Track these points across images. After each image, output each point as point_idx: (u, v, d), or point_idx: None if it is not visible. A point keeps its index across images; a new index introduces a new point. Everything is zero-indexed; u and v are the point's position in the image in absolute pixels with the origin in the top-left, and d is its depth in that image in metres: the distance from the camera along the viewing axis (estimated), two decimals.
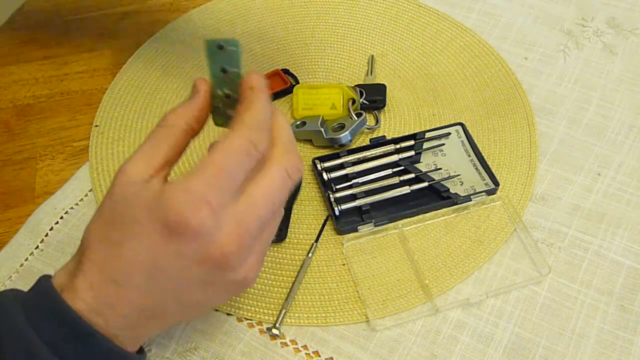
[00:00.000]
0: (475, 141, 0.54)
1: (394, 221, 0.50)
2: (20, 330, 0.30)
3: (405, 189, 0.51)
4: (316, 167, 0.53)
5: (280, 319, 0.45)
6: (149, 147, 0.34)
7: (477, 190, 0.51)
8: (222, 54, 0.34)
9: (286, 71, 0.61)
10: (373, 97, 0.57)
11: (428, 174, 0.52)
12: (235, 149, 0.32)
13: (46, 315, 0.31)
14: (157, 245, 0.31)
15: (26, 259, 0.49)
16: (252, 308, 0.46)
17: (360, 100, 0.57)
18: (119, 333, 0.32)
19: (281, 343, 0.45)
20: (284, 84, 0.59)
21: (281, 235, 0.49)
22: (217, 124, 0.36)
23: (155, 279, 0.31)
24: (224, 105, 0.36)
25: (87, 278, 0.31)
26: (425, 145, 0.54)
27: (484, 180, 0.52)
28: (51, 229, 0.51)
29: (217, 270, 0.32)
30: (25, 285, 0.47)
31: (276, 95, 0.59)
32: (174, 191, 0.31)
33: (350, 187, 0.51)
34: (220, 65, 0.34)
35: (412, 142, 0.54)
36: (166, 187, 0.31)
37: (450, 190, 0.51)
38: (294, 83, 0.60)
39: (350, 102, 0.56)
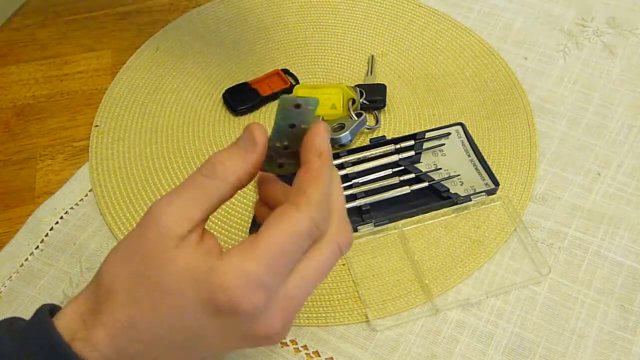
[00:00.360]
0: (475, 141, 0.54)
1: (394, 221, 0.50)
2: None
3: (405, 189, 0.51)
4: None
5: None
6: (191, 199, 0.30)
7: (477, 190, 0.51)
8: (296, 112, 0.31)
9: (286, 71, 0.61)
10: (373, 97, 0.57)
11: (428, 174, 0.52)
12: (299, 232, 0.29)
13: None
14: (198, 318, 0.29)
15: (26, 259, 0.49)
16: None
17: (360, 100, 0.57)
18: None
19: (281, 343, 0.45)
20: (284, 84, 0.59)
21: None
22: (264, 169, 0.33)
23: (187, 341, 0.30)
24: (277, 154, 0.33)
25: (107, 330, 0.29)
26: (425, 145, 0.54)
27: (484, 180, 0.52)
28: (51, 229, 0.51)
29: (257, 342, 0.31)
30: (25, 285, 0.48)
31: (276, 96, 0.59)
32: (228, 271, 0.28)
33: (350, 187, 0.51)
34: (290, 121, 0.32)
35: (412, 142, 0.54)
36: (217, 264, 0.29)
37: (450, 190, 0.51)
38: (294, 83, 0.60)
39: (350, 102, 0.56)
